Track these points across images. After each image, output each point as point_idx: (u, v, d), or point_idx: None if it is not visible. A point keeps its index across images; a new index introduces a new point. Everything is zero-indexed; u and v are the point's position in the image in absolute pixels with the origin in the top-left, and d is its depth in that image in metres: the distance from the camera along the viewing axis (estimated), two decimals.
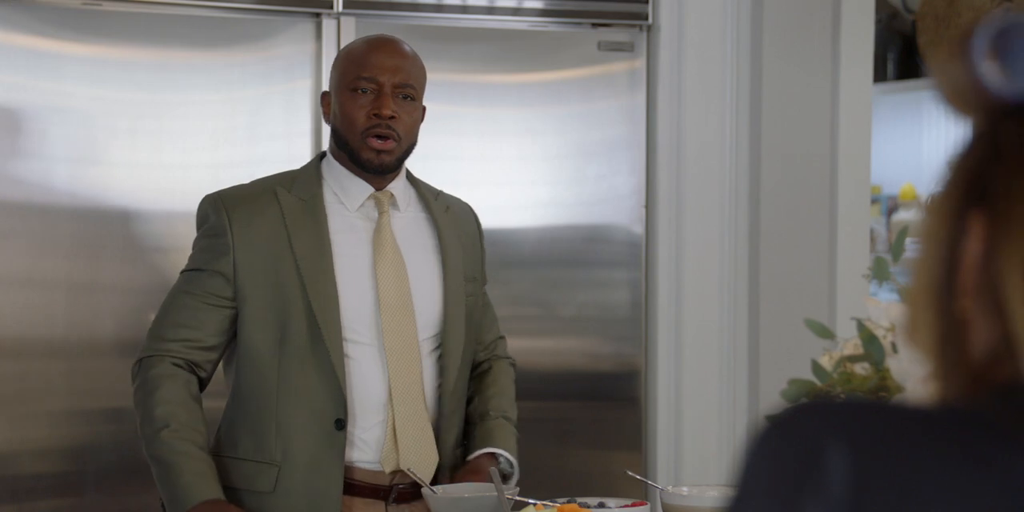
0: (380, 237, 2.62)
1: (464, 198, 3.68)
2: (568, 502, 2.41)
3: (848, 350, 1.82)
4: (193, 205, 3.51)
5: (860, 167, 3.89)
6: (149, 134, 3.47)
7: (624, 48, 3.76)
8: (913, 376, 1.75)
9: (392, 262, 2.61)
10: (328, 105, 2.68)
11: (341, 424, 2.52)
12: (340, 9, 3.55)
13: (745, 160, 3.84)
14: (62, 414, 3.41)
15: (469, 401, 2.77)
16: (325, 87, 3.54)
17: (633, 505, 2.44)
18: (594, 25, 3.76)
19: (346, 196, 2.64)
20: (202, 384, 2.58)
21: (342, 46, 3.56)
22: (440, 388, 2.64)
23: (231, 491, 2.55)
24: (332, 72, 2.68)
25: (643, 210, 3.79)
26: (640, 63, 3.77)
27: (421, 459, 2.54)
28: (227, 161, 3.52)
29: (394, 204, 2.67)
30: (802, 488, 0.84)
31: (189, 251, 3.49)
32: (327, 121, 2.69)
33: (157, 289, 3.48)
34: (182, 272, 2.65)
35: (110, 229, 3.45)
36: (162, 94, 3.47)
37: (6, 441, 3.36)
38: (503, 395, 2.80)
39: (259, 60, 3.53)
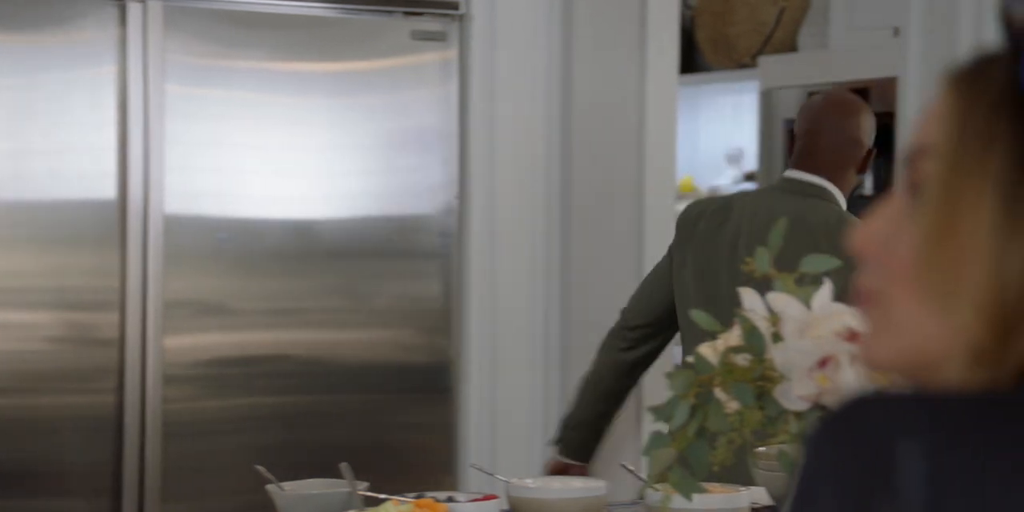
0: None
1: (276, 188, 3.63)
2: (418, 497, 2.38)
3: (732, 341, 1.85)
4: None
5: (666, 157, 3.97)
6: None
7: (436, 38, 3.74)
8: (799, 367, 1.79)
9: None
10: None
11: None
12: None
13: (557, 151, 3.87)
14: None
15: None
16: (132, 73, 3.43)
17: (484, 499, 2.43)
18: (406, 14, 3.72)
19: None
20: None
21: (149, 31, 3.45)
22: None
23: None
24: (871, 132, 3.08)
25: (456, 201, 3.78)
26: (453, 53, 3.76)
27: None
28: (27, 148, 3.38)
29: None
30: (873, 490, 0.80)
31: None
32: (862, 172, 3.09)
33: None
34: None
35: None
36: None
37: None
38: None
39: (62, 44, 3.39)
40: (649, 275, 3.22)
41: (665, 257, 3.13)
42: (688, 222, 3.09)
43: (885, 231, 0.88)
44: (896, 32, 4.41)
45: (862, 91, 4.58)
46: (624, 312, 3.18)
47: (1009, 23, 0.84)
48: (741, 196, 3.25)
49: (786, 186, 3.04)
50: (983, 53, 0.87)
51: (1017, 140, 0.83)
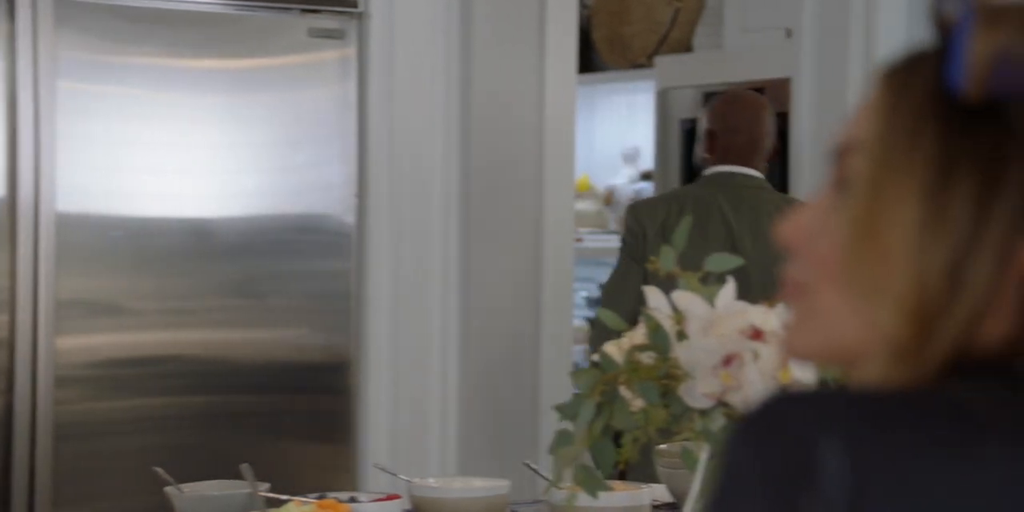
0: None
1: (170, 186, 3.58)
2: (320, 497, 2.36)
3: (637, 339, 1.85)
4: None
5: (565, 155, 4.00)
6: None
7: (335, 35, 3.71)
8: (703, 365, 1.80)
9: None
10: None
11: None
12: None
13: (456, 150, 3.86)
14: None
15: None
16: (22, 69, 3.36)
17: (387, 498, 2.41)
18: (303, 11, 3.69)
19: None
20: None
21: (39, 26, 3.38)
22: None
23: None
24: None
25: (355, 199, 3.75)
26: (351, 51, 3.73)
27: None
28: None
29: None
30: (795, 489, 0.79)
31: None
32: (770, 161, 3.48)
33: None
34: None
35: None
36: None
37: None
38: None
39: None
40: (615, 283, 3.27)
41: (628, 263, 3.25)
42: (653, 222, 3.24)
43: (812, 225, 0.89)
44: (789, 33, 4.46)
45: (757, 91, 4.62)
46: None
47: (939, 22, 0.85)
48: (693, 191, 3.49)
49: (730, 180, 3.31)
50: (914, 51, 0.87)
51: (942, 139, 0.83)
